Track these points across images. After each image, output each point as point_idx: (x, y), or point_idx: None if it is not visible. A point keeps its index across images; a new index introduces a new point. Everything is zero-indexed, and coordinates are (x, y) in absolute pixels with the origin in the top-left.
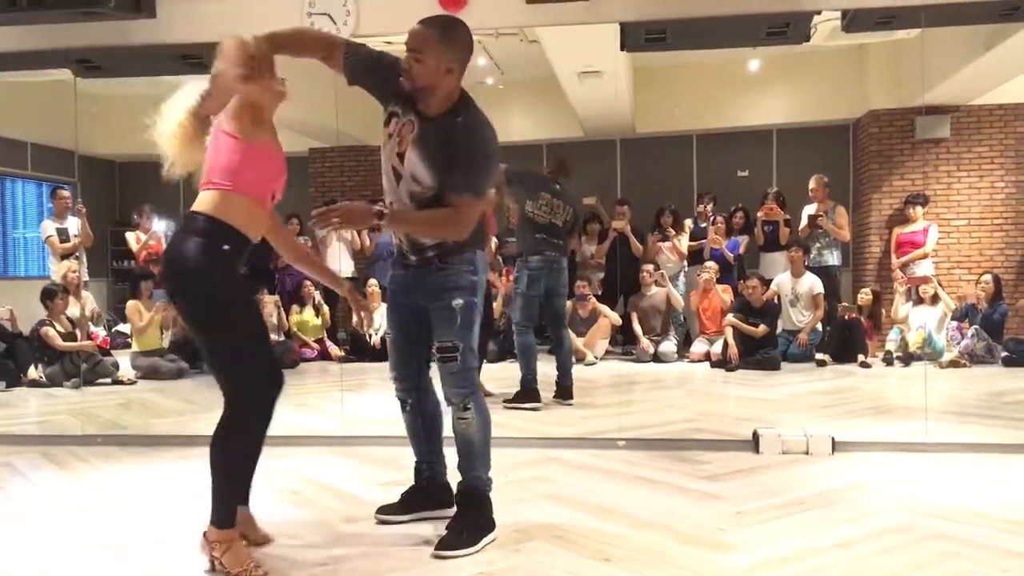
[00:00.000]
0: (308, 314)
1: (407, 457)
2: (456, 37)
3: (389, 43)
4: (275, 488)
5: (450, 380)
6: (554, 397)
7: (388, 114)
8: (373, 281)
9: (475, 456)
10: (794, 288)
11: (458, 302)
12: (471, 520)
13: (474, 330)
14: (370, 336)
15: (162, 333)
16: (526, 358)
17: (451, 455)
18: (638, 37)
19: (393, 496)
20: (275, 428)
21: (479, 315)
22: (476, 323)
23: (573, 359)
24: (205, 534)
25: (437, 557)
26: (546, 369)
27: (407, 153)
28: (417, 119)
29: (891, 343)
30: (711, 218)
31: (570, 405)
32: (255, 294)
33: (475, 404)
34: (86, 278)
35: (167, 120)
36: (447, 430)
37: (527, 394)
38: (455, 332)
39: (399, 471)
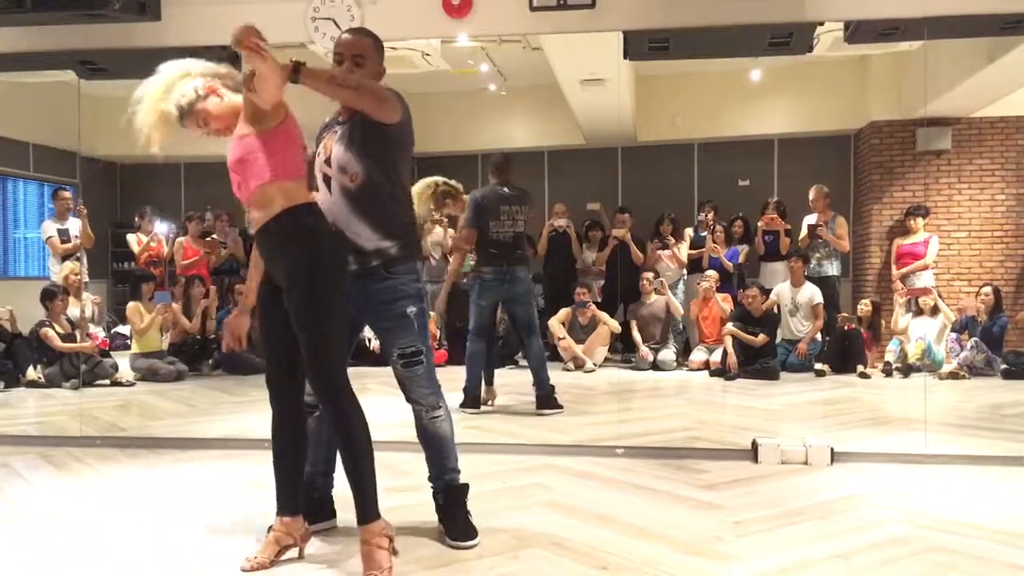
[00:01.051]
0: None
1: (408, 462)
2: (382, 46)
3: (394, 48)
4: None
5: (419, 383)
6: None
7: (316, 148)
8: None
9: (449, 449)
10: (794, 298)
11: (412, 309)
12: (462, 515)
13: (428, 333)
14: (369, 341)
15: (162, 335)
16: (469, 365)
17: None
18: (641, 46)
19: (397, 501)
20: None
21: (428, 320)
22: (428, 327)
23: (572, 367)
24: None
25: (454, 548)
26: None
27: (332, 153)
28: (338, 127)
29: (890, 354)
30: (711, 227)
31: (559, 412)
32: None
33: (443, 401)
34: (86, 279)
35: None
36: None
37: (467, 401)
38: (415, 336)
39: (401, 476)
